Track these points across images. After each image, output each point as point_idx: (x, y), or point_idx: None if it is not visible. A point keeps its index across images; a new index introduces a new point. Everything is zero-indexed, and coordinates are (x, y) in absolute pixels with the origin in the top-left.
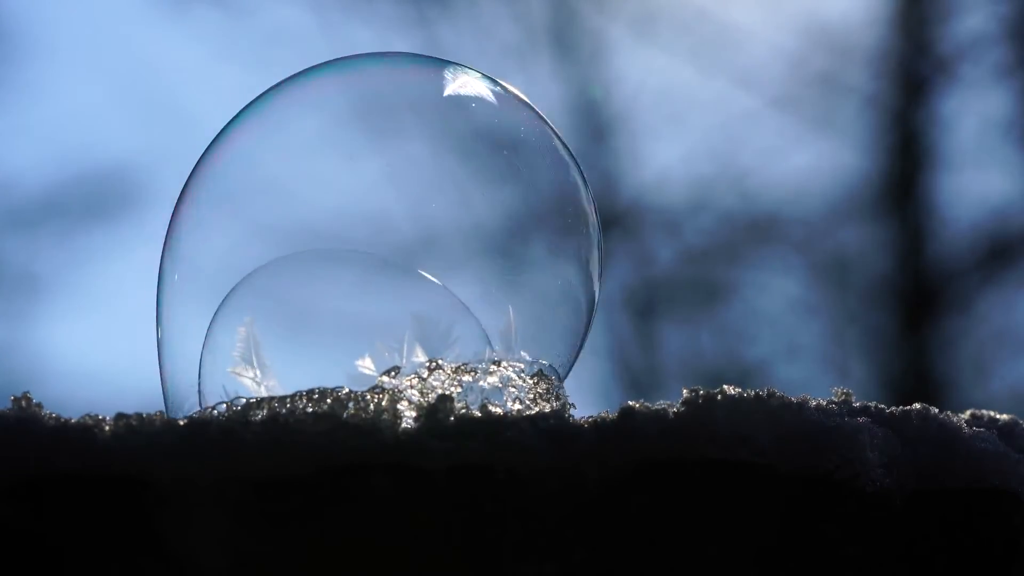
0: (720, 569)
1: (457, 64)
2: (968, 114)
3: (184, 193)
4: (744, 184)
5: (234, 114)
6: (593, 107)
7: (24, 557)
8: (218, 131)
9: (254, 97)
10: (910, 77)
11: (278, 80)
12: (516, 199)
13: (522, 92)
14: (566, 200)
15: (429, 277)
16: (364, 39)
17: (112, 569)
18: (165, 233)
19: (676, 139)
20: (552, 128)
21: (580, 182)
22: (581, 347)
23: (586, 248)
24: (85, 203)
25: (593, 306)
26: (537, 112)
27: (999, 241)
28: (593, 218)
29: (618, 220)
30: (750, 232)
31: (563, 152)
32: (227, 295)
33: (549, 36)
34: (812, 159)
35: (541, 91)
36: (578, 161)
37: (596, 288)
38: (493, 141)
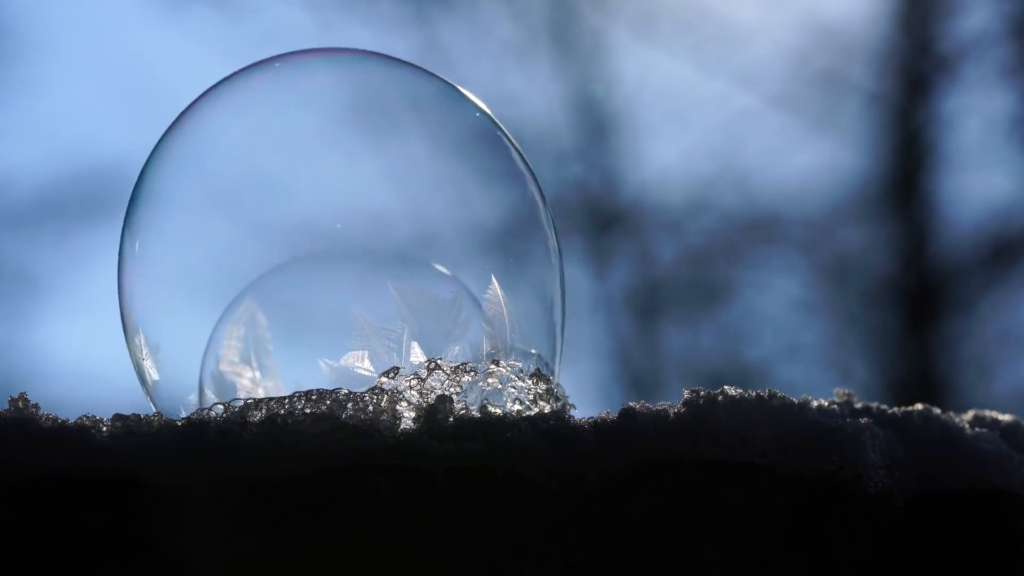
0: (721, 570)
1: (415, 66)
2: (971, 113)
3: (152, 184)
4: (745, 183)
5: (201, 94)
6: (593, 105)
7: (21, 559)
8: (184, 110)
9: (222, 79)
10: (912, 75)
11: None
12: (493, 206)
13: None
14: (523, 218)
15: (440, 268)
16: (363, 39)
17: (110, 571)
18: (141, 225)
19: (677, 138)
20: (509, 138)
21: (539, 199)
22: (558, 358)
23: (546, 271)
24: (83, 202)
25: (558, 325)
26: (493, 120)
27: (1002, 241)
28: (553, 241)
29: (619, 219)
30: (751, 232)
31: (521, 166)
32: (233, 300)
33: (549, 34)
34: (813, 158)
35: (541, 89)
36: (536, 176)
37: (559, 306)
38: (462, 148)
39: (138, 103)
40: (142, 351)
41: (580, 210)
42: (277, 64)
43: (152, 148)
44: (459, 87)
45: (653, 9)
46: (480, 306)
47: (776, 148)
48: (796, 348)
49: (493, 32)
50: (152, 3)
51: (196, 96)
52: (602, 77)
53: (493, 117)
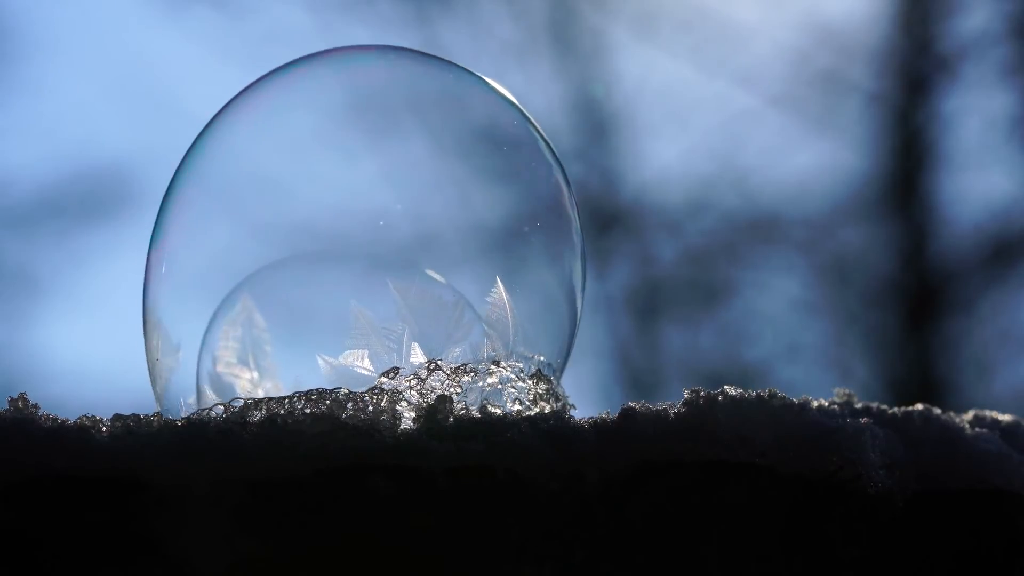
0: (721, 570)
1: (443, 60)
2: (971, 113)
3: (175, 189)
4: (745, 183)
5: (222, 106)
6: (594, 105)
7: (21, 559)
8: (207, 123)
9: (243, 88)
10: (912, 75)
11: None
12: (504, 201)
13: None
14: (551, 203)
15: (433, 275)
16: (363, 38)
17: (110, 571)
18: (155, 229)
19: (677, 138)
20: (536, 128)
21: (564, 185)
22: (567, 356)
23: (570, 254)
24: (83, 202)
25: (576, 310)
26: (522, 111)
27: (1002, 241)
28: (576, 223)
29: (619, 219)
30: (751, 232)
31: (547, 154)
32: (226, 296)
33: (549, 34)
34: (814, 158)
35: (541, 89)
36: (562, 163)
37: (579, 295)
38: (479, 142)
39: (138, 103)
40: (159, 351)
41: (580, 210)
42: (295, 68)
43: (178, 164)
44: (483, 76)
45: (653, 9)
46: (485, 304)
47: (776, 148)
48: (796, 348)
49: (493, 32)
50: (152, 3)
51: (223, 105)
52: (602, 77)
53: (518, 104)
